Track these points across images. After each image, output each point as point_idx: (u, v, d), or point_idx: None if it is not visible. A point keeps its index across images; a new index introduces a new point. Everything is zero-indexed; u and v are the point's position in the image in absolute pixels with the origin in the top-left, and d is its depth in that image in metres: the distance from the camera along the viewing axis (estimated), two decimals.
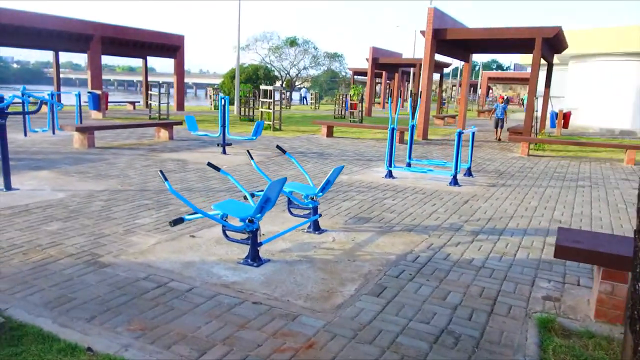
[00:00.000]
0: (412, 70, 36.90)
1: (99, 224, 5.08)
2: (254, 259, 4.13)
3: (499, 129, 16.19)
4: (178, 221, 4.01)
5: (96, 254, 4.23)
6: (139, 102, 27.67)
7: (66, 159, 8.97)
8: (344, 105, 27.25)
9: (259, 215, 4.08)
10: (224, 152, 10.43)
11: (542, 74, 22.58)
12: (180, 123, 12.87)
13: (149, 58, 28.01)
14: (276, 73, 57.92)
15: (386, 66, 29.70)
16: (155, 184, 7.11)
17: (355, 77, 42.95)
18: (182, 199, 3.93)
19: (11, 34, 18.40)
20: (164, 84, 19.00)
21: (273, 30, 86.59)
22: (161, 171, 3.93)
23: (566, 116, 19.40)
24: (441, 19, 14.92)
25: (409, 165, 9.17)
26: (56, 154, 9.49)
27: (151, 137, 12.84)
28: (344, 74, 63.05)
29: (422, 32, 14.78)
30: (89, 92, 18.84)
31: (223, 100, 10.26)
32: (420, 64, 26.81)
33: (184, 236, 4.81)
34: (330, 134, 14.89)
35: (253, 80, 48.72)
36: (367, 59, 28.63)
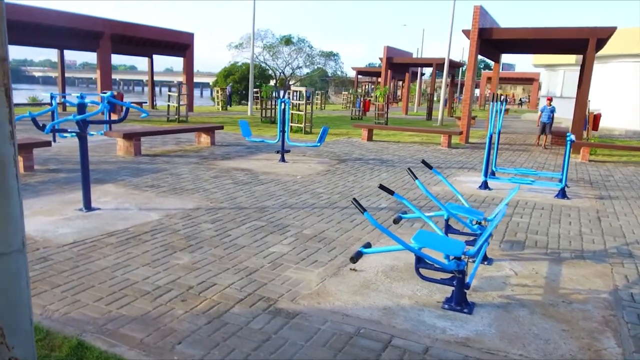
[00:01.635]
0: (419, 70, 36.44)
1: (232, 255, 4.32)
2: (461, 303, 3.44)
3: (546, 135, 14.57)
4: (358, 256, 3.33)
5: (267, 297, 3.49)
6: (145, 102, 26.58)
7: (122, 170, 8.13)
8: (355, 105, 26.67)
9: (473, 252, 3.38)
10: (283, 159, 9.67)
11: (554, 75, 22.04)
12: (221, 127, 12.05)
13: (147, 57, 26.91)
14: (270, 72, 57.00)
15: (397, 66, 29.12)
16: (244, 199, 6.36)
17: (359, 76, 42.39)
18: (390, 234, 3.21)
19: (17, 31, 17.28)
20: (181, 84, 18.08)
21: (267, 28, 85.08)
22: (355, 199, 3.21)
23: (596, 118, 19.05)
24: (484, 17, 14.36)
25: (493, 174, 8.54)
26: (106, 164, 8.64)
27: (189, 142, 12.00)
28: (339, 73, 62.38)
29: (466, 32, 14.19)
30: (104, 93, 17.80)
31: (283, 104, 9.50)
32: (439, 64, 26.38)
33: (343, 269, 4.09)
34: (370, 137, 14.20)
35: (247, 79, 47.79)
36: (380, 59, 28.02)
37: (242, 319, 3.16)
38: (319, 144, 9.41)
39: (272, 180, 7.75)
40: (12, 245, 1.64)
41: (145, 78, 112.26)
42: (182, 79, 25.34)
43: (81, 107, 5.69)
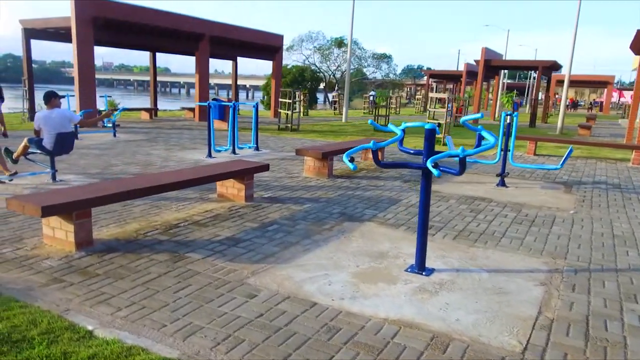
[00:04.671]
0: (501, 73, 34.33)
1: None
2: None
3: None
4: None
5: None
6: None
7: (350, 200, 6.61)
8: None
9: None
10: (502, 183, 8.00)
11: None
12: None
13: (158, 56, 25.33)
14: (319, 74, 55.56)
15: (492, 69, 27.15)
16: (582, 253, 4.71)
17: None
18: None
19: (117, 32, 16.15)
20: (297, 90, 16.66)
21: (318, 30, 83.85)
22: None
23: None
24: None
25: None
26: (309, 190, 7.15)
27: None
28: (392, 76, 60.42)
29: None
30: (213, 99, 16.55)
31: (508, 117, 7.84)
32: (546, 67, 24.32)
33: None
34: (535, 151, 12.40)
35: (299, 82, 46.45)
36: (475, 61, 26.14)
37: None
38: (560, 167, 7.70)
39: (542, 217, 6.08)
40: None
41: (183, 80, 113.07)
42: (229, 81, 24.16)
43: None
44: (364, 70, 57.59)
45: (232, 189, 6.29)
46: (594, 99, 61.62)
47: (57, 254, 4.17)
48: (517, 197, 7.15)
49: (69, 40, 17.66)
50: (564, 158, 7.45)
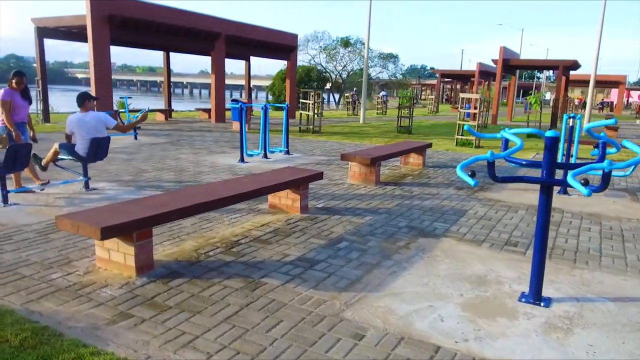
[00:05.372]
0: (519, 73, 33.72)
1: None
2: None
3: None
4: None
5: None
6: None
7: (411, 211, 6.06)
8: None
9: None
10: (564, 191, 7.45)
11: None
12: (429, 145, 9.89)
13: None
14: (325, 74, 54.98)
15: (509, 68, 26.55)
16: None
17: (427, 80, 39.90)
18: None
19: (133, 31, 15.62)
20: (325, 91, 16.10)
21: (324, 30, 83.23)
22: None
23: None
24: None
25: None
26: (362, 199, 6.61)
27: (391, 162, 9.93)
28: (398, 76, 59.82)
29: None
30: (233, 100, 16.02)
31: (571, 120, 7.29)
32: (567, 66, 23.72)
33: None
34: None
35: (305, 82, 45.89)
36: (493, 61, 25.55)
37: None
38: (629, 173, 7.13)
39: (628, 230, 5.53)
40: None
41: (186, 80, 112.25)
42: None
43: None
44: (370, 70, 57.01)
45: (285, 199, 5.75)
46: (602, 99, 60.90)
47: (115, 281, 3.63)
48: (588, 207, 6.60)
49: (81, 39, 17.15)
50: (630, 163, 6.88)
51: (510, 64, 24.65)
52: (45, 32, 16.35)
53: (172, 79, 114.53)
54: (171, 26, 16.50)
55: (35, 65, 17.08)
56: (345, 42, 54.31)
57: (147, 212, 3.77)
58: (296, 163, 9.47)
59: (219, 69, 19.15)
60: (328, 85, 57.35)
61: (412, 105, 16.99)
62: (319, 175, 5.92)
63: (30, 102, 6.32)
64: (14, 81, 5.90)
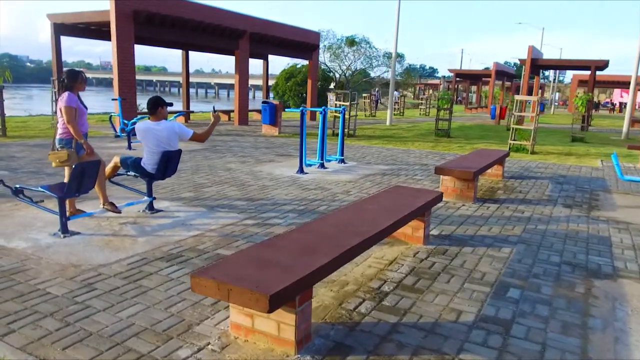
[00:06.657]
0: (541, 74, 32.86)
1: None
2: None
3: None
4: None
5: None
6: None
7: (551, 241, 5.09)
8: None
9: None
10: None
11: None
12: (507, 154, 8.92)
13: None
14: (330, 74, 54.01)
15: (536, 68, 25.63)
16: None
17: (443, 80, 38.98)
18: None
19: (158, 27, 14.56)
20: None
21: (329, 28, 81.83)
22: None
23: None
24: None
25: None
26: (476, 222, 5.63)
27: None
28: (403, 75, 58.89)
29: None
30: (264, 102, 15.01)
31: None
32: (599, 66, 22.84)
33: None
34: None
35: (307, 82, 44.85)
36: (520, 60, 24.66)
37: None
38: None
39: None
40: None
41: (166, 78, 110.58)
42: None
43: None
44: (374, 69, 56.02)
45: (405, 227, 4.75)
46: (605, 99, 60.24)
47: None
48: None
49: (100, 37, 16.09)
50: None
51: (538, 64, 23.75)
52: (62, 28, 15.26)
53: (170, 78, 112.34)
54: (198, 23, 15.45)
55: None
56: (351, 41, 53.30)
57: (302, 262, 2.77)
58: (361, 174, 8.49)
59: (242, 69, 18.13)
60: (332, 85, 56.37)
61: (451, 107, 16.02)
62: (439, 198, 4.93)
63: (86, 109, 5.27)
64: (77, 83, 4.80)
